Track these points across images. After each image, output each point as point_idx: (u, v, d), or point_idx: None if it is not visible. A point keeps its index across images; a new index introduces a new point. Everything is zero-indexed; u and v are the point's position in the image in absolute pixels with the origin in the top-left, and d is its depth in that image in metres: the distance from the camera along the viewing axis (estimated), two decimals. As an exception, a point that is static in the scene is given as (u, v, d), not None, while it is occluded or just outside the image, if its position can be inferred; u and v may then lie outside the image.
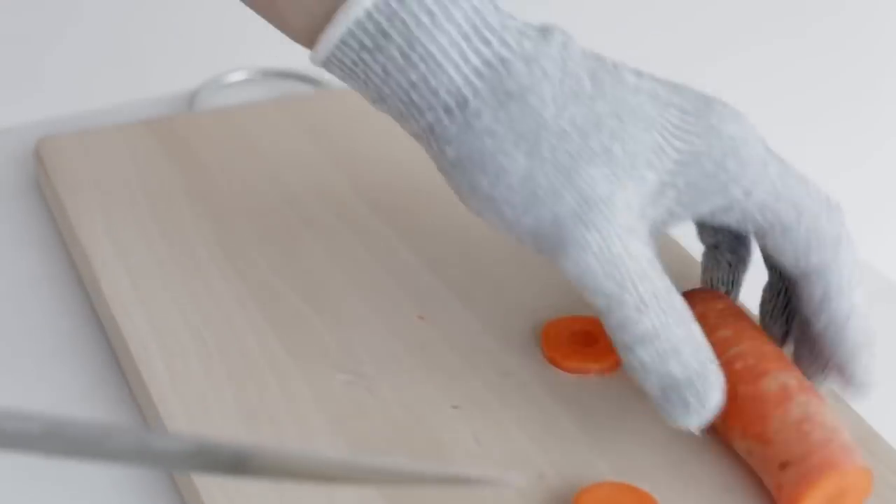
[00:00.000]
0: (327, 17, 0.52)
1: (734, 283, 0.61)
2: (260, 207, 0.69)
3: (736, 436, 0.54)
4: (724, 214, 0.55)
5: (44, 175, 0.71)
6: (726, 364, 0.54)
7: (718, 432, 0.55)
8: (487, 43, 0.52)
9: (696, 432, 0.53)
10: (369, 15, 0.51)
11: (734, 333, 0.55)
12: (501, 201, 0.53)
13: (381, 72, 0.52)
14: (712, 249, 0.61)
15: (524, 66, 0.52)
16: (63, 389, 0.60)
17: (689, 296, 0.58)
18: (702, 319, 0.56)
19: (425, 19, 0.51)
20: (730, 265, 0.61)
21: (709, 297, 0.58)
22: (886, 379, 0.63)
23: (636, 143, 0.53)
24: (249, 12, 0.63)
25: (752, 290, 0.65)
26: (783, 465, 0.51)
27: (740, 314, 0.57)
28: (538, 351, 0.60)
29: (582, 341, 0.60)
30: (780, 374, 0.54)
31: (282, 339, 0.60)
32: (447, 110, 0.52)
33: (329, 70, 0.53)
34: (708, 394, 0.52)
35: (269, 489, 0.53)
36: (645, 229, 0.54)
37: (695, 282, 0.64)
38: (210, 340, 0.60)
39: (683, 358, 0.52)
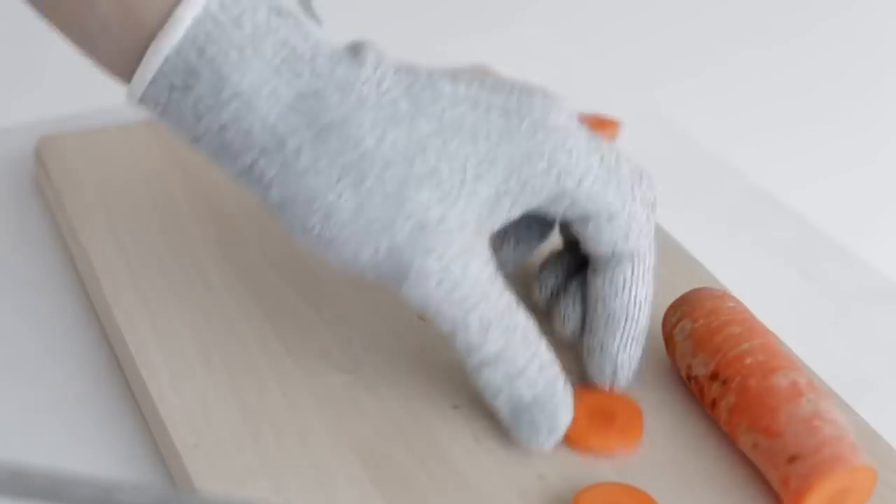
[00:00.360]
0: (139, 55, 0.50)
1: (513, 264, 0.61)
2: (260, 207, 0.69)
3: (741, 430, 0.53)
4: (552, 204, 0.55)
5: (44, 175, 0.71)
6: (736, 359, 0.54)
7: (721, 426, 0.55)
8: (299, 75, 0.50)
9: (549, 451, 0.54)
10: (178, 52, 0.49)
11: (746, 330, 0.55)
12: (335, 240, 0.51)
13: (193, 113, 0.50)
14: (503, 234, 0.61)
15: (339, 95, 0.50)
16: (63, 389, 0.60)
17: (701, 292, 0.58)
18: (713, 315, 0.56)
19: (234, 56, 0.49)
20: (514, 251, 0.61)
21: (719, 294, 0.58)
22: (886, 379, 0.63)
23: (463, 157, 0.52)
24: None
25: (752, 290, 0.65)
26: (792, 459, 0.51)
27: (750, 314, 0.57)
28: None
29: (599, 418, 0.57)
30: (790, 371, 0.54)
31: (282, 339, 0.60)
32: (264, 151, 0.50)
33: (147, 109, 0.51)
34: (557, 413, 0.53)
35: (269, 490, 0.53)
36: (483, 242, 0.53)
37: (696, 282, 0.64)
38: (210, 340, 0.60)
39: (530, 378, 0.53)
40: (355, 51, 0.52)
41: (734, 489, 0.54)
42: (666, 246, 0.68)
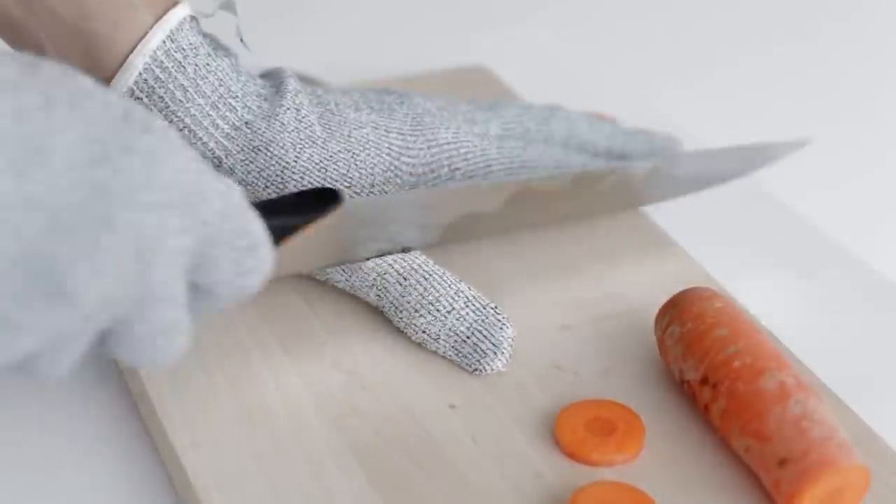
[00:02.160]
0: None
1: None
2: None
3: (733, 433, 0.54)
4: None
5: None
6: (724, 362, 0.54)
7: (716, 429, 0.55)
8: (233, 110, 0.61)
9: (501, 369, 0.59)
10: (132, 92, 0.59)
11: (732, 332, 0.55)
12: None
13: None
14: None
15: (265, 123, 0.61)
16: (61, 388, 0.60)
17: (689, 294, 0.58)
18: (700, 318, 0.56)
19: (179, 95, 0.59)
20: None
21: (707, 295, 0.58)
22: (885, 379, 0.63)
23: (371, 167, 0.63)
24: (249, 13, 0.63)
25: (751, 290, 0.65)
26: (781, 462, 0.51)
27: (738, 313, 0.57)
28: (540, 353, 0.60)
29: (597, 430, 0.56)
30: (777, 372, 0.54)
31: (280, 339, 0.60)
32: None
33: None
34: (495, 333, 0.59)
35: (267, 489, 0.53)
36: None
37: (695, 281, 0.64)
38: (208, 339, 0.60)
39: (459, 313, 0.60)
40: (279, 86, 0.62)
41: (732, 491, 0.54)
42: (663, 245, 0.68)
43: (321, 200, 0.57)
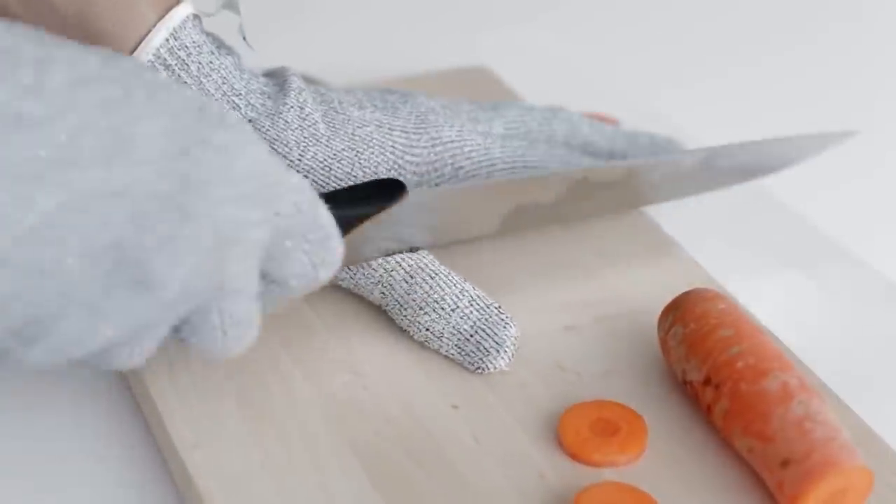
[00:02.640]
0: None
1: None
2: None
3: (736, 434, 0.54)
4: None
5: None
6: (727, 363, 0.54)
7: (718, 430, 0.55)
8: (236, 108, 0.60)
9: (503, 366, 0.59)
10: None
11: (735, 333, 0.55)
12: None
13: None
14: None
15: (269, 122, 0.61)
16: (61, 388, 0.60)
17: (691, 295, 0.58)
18: (702, 319, 0.56)
19: None
20: None
21: (710, 296, 0.58)
22: (886, 379, 0.63)
23: (374, 165, 0.62)
24: (248, 13, 0.63)
25: (751, 290, 0.65)
26: (784, 463, 0.51)
27: (741, 314, 0.57)
28: (542, 354, 0.61)
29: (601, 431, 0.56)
30: (780, 373, 0.54)
31: (282, 339, 0.60)
32: None
33: None
34: (498, 331, 0.59)
35: (270, 490, 0.53)
36: None
37: (697, 282, 0.64)
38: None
39: (463, 311, 0.60)
40: (282, 84, 0.62)
41: (734, 492, 0.54)
42: (665, 245, 0.68)
43: (381, 190, 0.57)
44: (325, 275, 0.52)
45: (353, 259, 0.59)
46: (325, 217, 0.51)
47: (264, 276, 0.50)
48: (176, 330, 0.48)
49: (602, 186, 0.65)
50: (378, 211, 0.57)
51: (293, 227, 0.50)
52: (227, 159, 0.46)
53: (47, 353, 0.45)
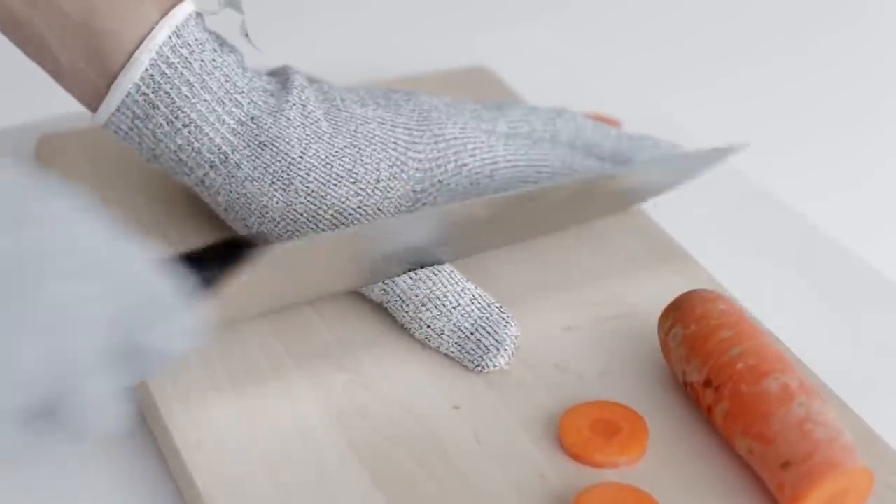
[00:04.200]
0: (106, 87, 0.60)
1: None
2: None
3: (736, 435, 0.54)
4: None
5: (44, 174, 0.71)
6: (728, 364, 0.54)
7: (719, 431, 0.55)
8: (239, 105, 0.61)
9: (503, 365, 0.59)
10: (138, 88, 0.59)
11: (735, 334, 0.55)
12: (270, 235, 0.62)
13: (152, 136, 0.60)
14: None
15: (272, 119, 0.61)
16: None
17: (692, 296, 0.58)
18: (703, 320, 0.56)
19: (185, 90, 0.60)
20: None
21: (711, 297, 0.58)
22: (887, 380, 0.63)
23: (377, 161, 0.62)
24: (250, 14, 0.63)
25: (752, 291, 0.65)
26: (785, 465, 0.51)
27: (742, 315, 0.57)
28: (543, 354, 0.61)
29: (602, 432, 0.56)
30: (781, 374, 0.54)
31: (282, 338, 0.60)
32: (212, 166, 0.61)
33: (110, 131, 0.61)
34: (498, 330, 0.59)
35: (271, 490, 0.53)
36: None
37: (696, 282, 0.64)
38: (211, 339, 0.59)
39: (464, 309, 0.60)
40: (285, 82, 0.62)
41: (735, 493, 0.54)
42: (665, 246, 0.68)
43: (249, 247, 0.53)
44: (181, 343, 0.47)
45: (233, 316, 0.55)
46: (173, 284, 0.46)
47: (119, 352, 0.45)
48: (34, 416, 0.44)
49: (478, 221, 0.62)
50: (236, 270, 0.52)
51: (139, 299, 0.45)
52: (63, 230, 0.43)
53: None
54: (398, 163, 0.63)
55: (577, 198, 0.65)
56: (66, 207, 0.44)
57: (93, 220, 0.44)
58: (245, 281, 0.52)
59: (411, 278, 0.60)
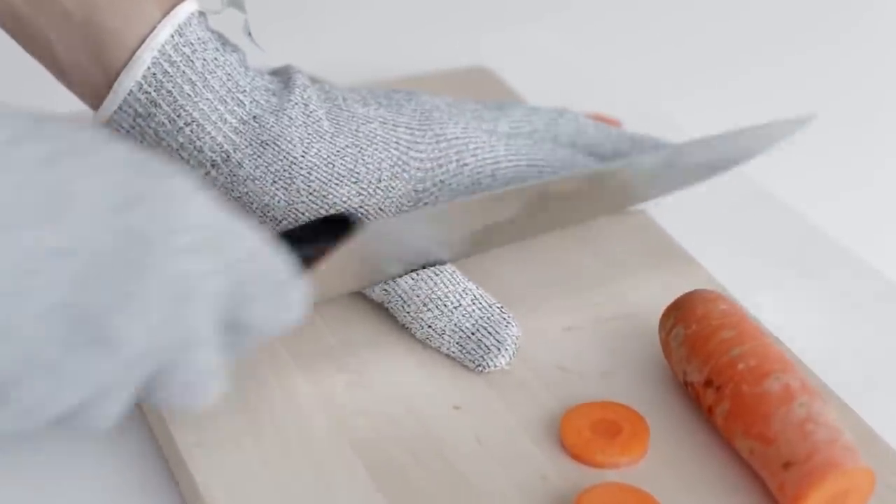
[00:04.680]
0: (108, 85, 0.59)
1: None
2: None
3: (737, 435, 0.54)
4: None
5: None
6: (729, 365, 0.54)
7: (720, 432, 0.55)
8: (241, 104, 0.61)
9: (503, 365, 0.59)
10: (140, 86, 0.59)
11: (737, 334, 0.55)
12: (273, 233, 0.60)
13: (154, 135, 0.60)
14: None
15: (273, 118, 0.61)
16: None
17: (693, 296, 0.58)
18: (704, 320, 0.56)
19: (187, 89, 0.59)
20: None
21: (712, 297, 0.58)
22: (888, 380, 0.63)
23: (378, 161, 0.62)
24: (250, 13, 0.63)
25: (752, 291, 0.65)
26: (786, 465, 0.51)
27: (743, 316, 0.57)
28: (543, 354, 0.61)
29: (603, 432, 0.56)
30: (782, 374, 0.54)
31: (284, 340, 0.60)
32: (214, 165, 0.61)
33: (112, 130, 0.61)
34: (499, 330, 0.59)
35: (271, 490, 0.53)
36: None
37: (697, 282, 0.64)
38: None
39: (466, 309, 0.60)
40: (287, 81, 0.63)
41: (736, 493, 0.54)
42: (665, 246, 0.68)
43: (342, 224, 0.56)
44: (289, 319, 0.50)
45: (324, 294, 0.56)
46: (281, 261, 0.49)
47: (226, 326, 0.48)
48: (143, 387, 0.46)
49: (565, 197, 0.64)
50: (336, 246, 0.54)
51: (250, 275, 0.47)
52: (179, 207, 0.45)
53: (10, 419, 0.43)
54: (400, 162, 0.63)
55: (636, 181, 0.66)
56: (176, 185, 0.45)
57: (202, 198, 0.46)
58: (344, 256, 0.54)
59: (413, 279, 0.61)
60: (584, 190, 0.64)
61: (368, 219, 0.62)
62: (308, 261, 0.54)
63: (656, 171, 0.67)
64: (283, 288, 0.49)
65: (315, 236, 0.56)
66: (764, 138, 0.69)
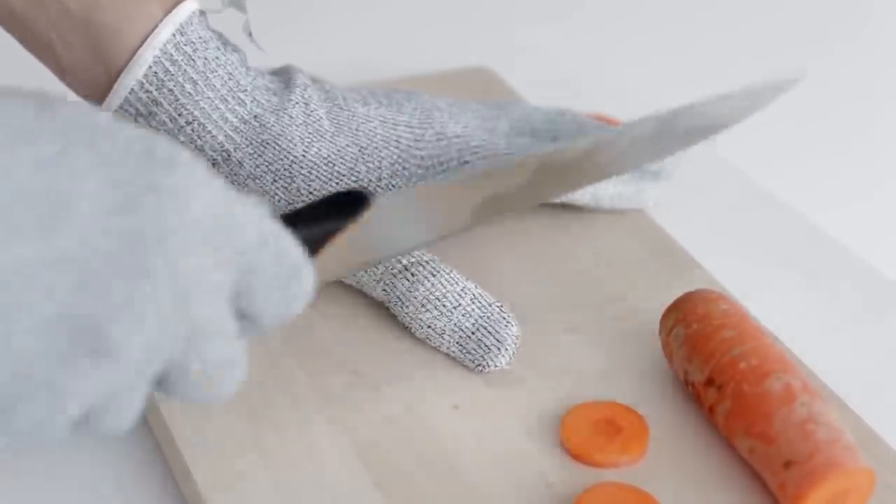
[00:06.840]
0: (109, 84, 0.60)
1: None
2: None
3: (738, 435, 0.54)
4: None
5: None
6: (730, 364, 0.54)
7: (720, 431, 0.55)
8: (242, 103, 0.61)
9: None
10: (141, 85, 0.59)
11: (738, 334, 0.55)
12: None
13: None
14: None
15: (274, 117, 0.61)
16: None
17: (694, 296, 0.58)
18: (705, 320, 0.56)
19: (189, 88, 0.59)
20: None
21: (713, 297, 0.58)
22: (889, 381, 0.63)
23: (378, 159, 0.63)
24: (248, 14, 0.63)
25: (753, 292, 0.65)
26: (787, 464, 0.51)
27: (744, 316, 0.57)
28: (542, 352, 0.61)
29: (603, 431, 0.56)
30: (783, 374, 0.54)
31: (284, 338, 0.60)
32: (214, 164, 0.61)
33: None
34: (499, 329, 0.59)
35: (270, 488, 0.53)
36: None
37: (697, 282, 0.64)
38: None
39: (465, 309, 0.60)
40: (288, 81, 0.63)
41: (736, 492, 0.54)
42: (665, 246, 0.68)
43: (347, 202, 0.54)
44: (300, 304, 0.49)
45: (332, 275, 0.55)
46: (291, 246, 0.47)
47: (239, 314, 0.47)
48: (158, 384, 0.45)
49: (567, 165, 0.61)
50: (345, 224, 0.53)
51: (259, 262, 0.46)
52: (180, 203, 0.43)
53: (13, 437, 0.42)
54: (400, 161, 0.63)
55: (632, 148, 0.64)
56: (182, 175, 0.44)
57: (208, 188, 0.44)
58: (347, 238, 0.53)
59: (409, 279, 0.61)
60: (586, 157, 0.62)
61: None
62: (314, 241, 0.52)
63: (651, 136, 0.65)
64: (293, 275, 0.48)
65: (315, 218, 0.53)
66: (756, 98, 0.68)
